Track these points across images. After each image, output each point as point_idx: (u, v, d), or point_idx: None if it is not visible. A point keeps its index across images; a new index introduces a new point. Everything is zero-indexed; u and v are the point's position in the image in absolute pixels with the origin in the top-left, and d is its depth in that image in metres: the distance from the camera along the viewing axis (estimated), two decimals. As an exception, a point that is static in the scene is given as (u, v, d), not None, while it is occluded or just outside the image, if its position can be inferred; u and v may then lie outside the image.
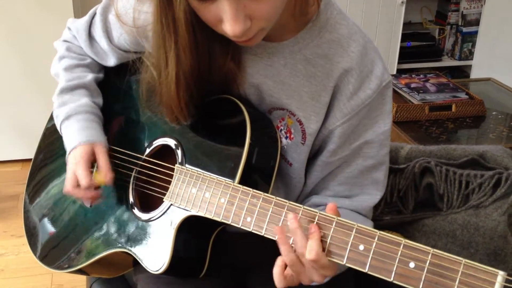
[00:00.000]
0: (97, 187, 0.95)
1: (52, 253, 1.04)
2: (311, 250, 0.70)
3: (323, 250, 0.71)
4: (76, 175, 0.93)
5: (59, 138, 1.01)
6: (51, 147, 1.11)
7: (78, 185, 0.93)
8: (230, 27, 0.70)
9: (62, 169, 1.04)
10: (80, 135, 0.95)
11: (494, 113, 2.12)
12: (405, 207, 1.15)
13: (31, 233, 1.08)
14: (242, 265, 1.02)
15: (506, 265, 1.03)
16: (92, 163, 0.95)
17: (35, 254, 1.06)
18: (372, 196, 0.90)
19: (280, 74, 0.86)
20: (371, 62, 0.85)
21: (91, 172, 0.94)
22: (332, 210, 0.73)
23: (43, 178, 1.11)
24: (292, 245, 0.73)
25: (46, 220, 1.07)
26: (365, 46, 0.85)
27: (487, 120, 2.07)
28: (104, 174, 0.93)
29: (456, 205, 1.08)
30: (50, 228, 1.06)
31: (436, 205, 1.12)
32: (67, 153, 0.96)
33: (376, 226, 1.15)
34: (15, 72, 2.43)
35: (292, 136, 0.89)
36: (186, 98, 0.83)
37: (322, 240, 0.71)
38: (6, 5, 2.29)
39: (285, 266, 0.75)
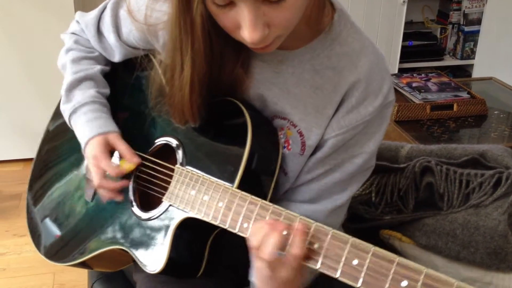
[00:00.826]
0: (124, 176, 0.94)
1: (58, 253, 1.05)
2: (296, 246, 0.69)
3: (316, 261, 0.70)
4: (102, 168, 0.92)
5: (65, 140, 1.01)
6: (55, 149, 1.11)
7: (105, 177, 0.93)
8: (248, 34, 0.69)
9: (66, 170, 1.05)
10: (90, 128, 0.94)
11: (496, 112, 2.11)
12: (406, 206, 1.15)
13: (35, 234, 1.09)
14: (240, 266, 1.02)
15: (506, 264, 1.03)
16: (111, 152, 0.95)
17: (38, 250, 1.07)
18: (336, 200, 0.88)
19: (287, 82, 0.85)
20: (381, 79, 0.83)
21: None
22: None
23: (47, 180, 1.11)
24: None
25: (49, 220, 1.08)
26: (376, 63, 0.83)
27: (489, 119, 2.07)
28: (129, 159, 0.93)
29: (457, 204, 1.08)
30: (54, 229, 1.07)
31: (437, 204, 1.12)
32: (83, 148, 0.95)
33: (377, 226, 1.16)
34: (16, 72, 2.43)
35: (289, 147, 0.88)
36: (199, 102, 0.83)
37: (317, 252, 0.70)
38: (6, 5, 2.30)
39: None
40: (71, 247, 1.02)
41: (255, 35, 0.69)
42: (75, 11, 2.33)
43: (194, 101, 0.83)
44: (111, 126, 0.96)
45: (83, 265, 1.03)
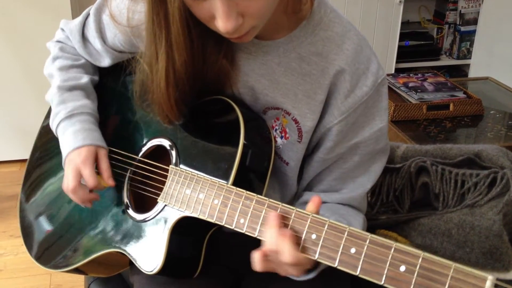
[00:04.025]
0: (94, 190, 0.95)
1: (47, 252, 1.04)
2: (285, 254, 0.70)
3: (314, 251, 0.71)
4: (82, 174, 0.92)
5: (56, 137, 1.00)
6: (47, 145, 1.10)
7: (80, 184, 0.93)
8: (222, 24, 0.70)
9: (58, 167, 1.04)
10: (85, 136, 0.94)
11: (492, 112, 2.11)
12: (401, 206, 1.15)
13: (27, 232, 1.08)
14: (237, 265, 1.02)
15: (501, 264, 1.03)
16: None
17: (30, 254, 1.06)
18: (363, 186, 0.92)
19: (275, 73, 0.86)
20: (366, 59, 0.86)
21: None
22: (315, 204, 0.74)
23: (39, 176, 1.11)
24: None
25: (41, 219, 1.07)
26: (359, 44, 0.85)
27: (485, 119, 2.07)
28: (106, 178, 0.94)
29: (452, 204, 1.09)
30: (46, 227, 1.06)
31: (432, 204, 1.12)
32: (68, 151, 0.94)
33: (373, 226, 1.16)
34: (14, 72, 2.43)
35: (287, 135, 0.89)
36: (176, 95, 0.84)
37: (314, 242, 0.71)
38: (4, 6, 2.29)
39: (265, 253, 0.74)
40: (64, 253, 1.02)
41: (229, 25, 0.70)
42: (72, 11, 2.34)
43: (170, 94, 0.83)
44: (102, 141, 0.97)
45: (77, 271, 1.03)
